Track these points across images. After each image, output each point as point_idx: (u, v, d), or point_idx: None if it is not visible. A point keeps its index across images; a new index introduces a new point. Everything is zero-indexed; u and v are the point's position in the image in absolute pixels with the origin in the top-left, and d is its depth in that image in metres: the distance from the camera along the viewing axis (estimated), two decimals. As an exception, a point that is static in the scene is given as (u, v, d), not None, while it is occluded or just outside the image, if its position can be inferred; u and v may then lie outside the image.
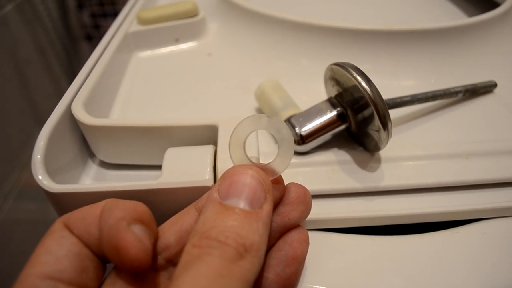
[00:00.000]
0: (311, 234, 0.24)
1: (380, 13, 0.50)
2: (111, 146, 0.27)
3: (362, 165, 0.26)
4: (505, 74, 0.35)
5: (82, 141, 0.29)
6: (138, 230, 0.17)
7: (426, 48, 0.36)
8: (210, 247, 0.15)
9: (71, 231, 0.18)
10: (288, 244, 0.20)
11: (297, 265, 0.19)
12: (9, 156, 0.76)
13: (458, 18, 0.49)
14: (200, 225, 0.16)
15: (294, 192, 0.20)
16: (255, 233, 0.16)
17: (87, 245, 0.18)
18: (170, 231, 0.19)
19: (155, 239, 0.18)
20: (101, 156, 0.28)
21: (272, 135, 0.20)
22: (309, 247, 0.23)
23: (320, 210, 0.24)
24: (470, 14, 0.49)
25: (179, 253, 0.18)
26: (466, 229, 0.24)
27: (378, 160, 0.27)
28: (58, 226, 0.18)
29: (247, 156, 0.19)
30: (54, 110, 0.27)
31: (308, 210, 0.20)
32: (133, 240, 0.16)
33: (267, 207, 0.17)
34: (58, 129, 0.26)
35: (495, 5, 0.42)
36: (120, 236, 0.16)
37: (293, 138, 0.19)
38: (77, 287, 0.17)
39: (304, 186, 0.21)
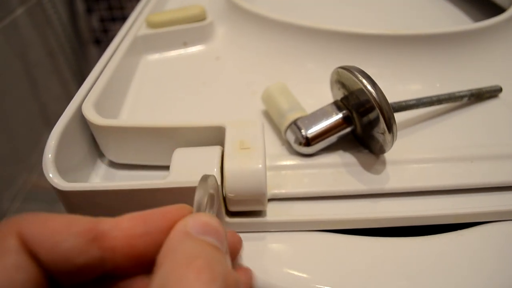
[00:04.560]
0: (317, 235, 0.24)
1: (386, 17, 0.50)
2: (120, 146, 0.27)
3: (367, 167, 0.27)
4: (510, 79, 0.35)
5: (91, 141, 0.29)
6: None
7: (431, 53, 0.36)
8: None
9: (32, 253, 0.14)
10: None
11: None
12: (17, 157, 0.77)
13: (463, 23, 0.49)
14: (178, 255, 0.14)
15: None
16: (238, 279, 0.15)
17: (54, 275, 0.14)
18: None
19: None
20: (110, 156, 0.29)
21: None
22: (314, 248, 0.23)
23: (325, 212, 0.25)
24: (475, 19, 0.49)
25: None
26: (471, 232, 0.24)
27: (383, 163, 0.27)
28: (11, 245, 0.14)
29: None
30: (65, 111, 0.28)
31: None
32: None
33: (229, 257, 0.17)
34: (69, 129, 0.26)
35: (501, 10, 0.42)
36: None
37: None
38: None
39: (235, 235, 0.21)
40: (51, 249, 0.14)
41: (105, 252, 0.15)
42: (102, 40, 1.16)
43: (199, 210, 0.18)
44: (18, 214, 0.15)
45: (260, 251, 0.23)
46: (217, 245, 0.15)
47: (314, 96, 0.32)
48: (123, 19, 1.10)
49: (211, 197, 0.19)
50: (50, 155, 0.25)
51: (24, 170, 0.79)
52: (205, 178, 0.19)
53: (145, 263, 0.16)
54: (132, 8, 1.06)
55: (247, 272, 0.21)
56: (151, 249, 0.16)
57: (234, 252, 0.21)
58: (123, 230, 0.16)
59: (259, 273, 0.22)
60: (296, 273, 0.22)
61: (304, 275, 0.22)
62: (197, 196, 0.18)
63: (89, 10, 1.10)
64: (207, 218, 0.16)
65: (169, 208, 0.17)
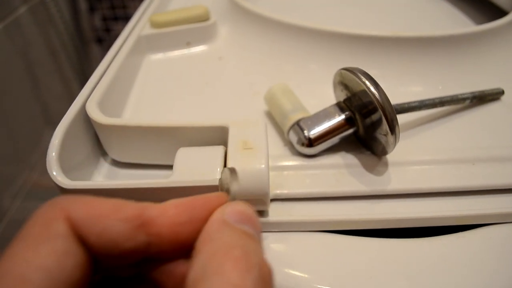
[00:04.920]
0: (318, 236, 0.24)
1: (389, 19, 0.50)
2: (123, 145, 0.28)
3: (369, 168, 0.27)
4: (512, 82, 0.35)
5: (94, 140, 0.30)
6: None
7: (434, 55, 0.36)
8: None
9: (81, 238, 0.14)
10: None
11: None
12: (18, 156, 0.77)
13: (465, 25, 0.49)
14: (216, 243, 0.15)
15: None
16: (271, 268, 0.15)
17: (101, 258, 0.15)
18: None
19: None
20: (113, 155, 0.29)
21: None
22: (316, 249, 0.23)
23: (327, 212, 0.25)
24: (478, 22, 0.49)
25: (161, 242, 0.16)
26: (472, 234, 0.24)
27: (385, 164, 0.27)
28: (61, 229, 0.14)
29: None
30: (69, 109, 0.28)
31: None
32: None
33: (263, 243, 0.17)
34: (72, 128, 0.27)
35: (503, 13, 0.42)
36: None
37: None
38: None
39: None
40: (100, 234, 0.14)
41: (152, 238, 0.15)
42: (104, 39, 1.16)
43: (233, 199, 0.18)
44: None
45: (262, 251, 0.23)
46: (252, 233, 0.16)
47: (317, 97, 0.32)
48: (126, 18, 1.10)
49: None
50: (53, 154, 0.25)
51: (25, 169, 0.79)
52: (233, 169, 0.20)
53: (186, 247, 0.16)
54: (134, 8, 1.07)
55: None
56: (192, 236, 0.16)
57: None
58: (169, 217, 0.16)
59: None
60: (297, 273, 0.22)
61: (306, 275, 0.22)
62: (233, 187, 0.19)
63: (91, 9, 1.11)
64: (243, 207, 0.17)
65: (209, 196, 0.17)
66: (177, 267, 0.17)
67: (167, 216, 0.16)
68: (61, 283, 0.13)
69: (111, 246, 0.15)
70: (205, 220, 0.16)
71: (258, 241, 0.16)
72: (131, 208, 0.15)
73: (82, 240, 0.14)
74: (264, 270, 0.14)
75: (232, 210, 0.16)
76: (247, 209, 0.17)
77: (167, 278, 0.17)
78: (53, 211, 0.14)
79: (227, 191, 0.20)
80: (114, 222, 0.15)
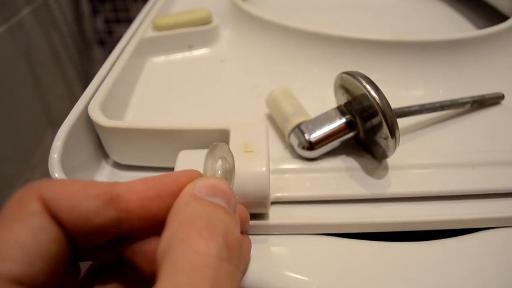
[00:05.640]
0: (319, 239, 0.24)
1: (390, 23, 0.51)
2: (125, 147, 0.28)
3: (370, 172, 0.27)
4: (513, 86, 0.35)
5: (96, 142, 0.30)
6: None
7: (435, 59, 0.36)
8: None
9: (54, 215, 0.14)
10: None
11: (242, 274, 0.20)
12: (19, 157, 0.77)
13: (466, 30, 0.49)
14: (183, 215, 0.15)
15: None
16: (241, 236, 0.16)
17: (72, 235, 0.15)
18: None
19: None
20: (115, 157, 0.29)
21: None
22: (316, 251, 0.23)
23: (327, 215, 0.25)
24: (478, 26, 0.50)
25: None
26: (471, 237, 0.24)
27: (386, 168, 0.27)
28: (35, 207, 0.14)
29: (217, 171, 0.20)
30: (71, 111, 0.28)
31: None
32: None
33: (238, 216, 0.17)
34: (74, 130, 0.27)
35: (504, 18, 0.42)
36: None
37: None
38: None
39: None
40: (70, 210, 0.15)
41: (121, 213, 0.16)
42: (107, 41, 1.16)
43: (206, 174, 0.19)
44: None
45: (262, 254, 0.23)
46: (222, 205, 0.16)
47: (318, 101, 0.32)
48: (128, 20, 1.11)
49: (225, 165, 0.20)
50: (56, 155, 0.25)
51: (26, 170, 0.79)
52: (214, 146, 0.20)
53: (158, 224, 0.16)
54: (137, 10, 1.07)
55: (246, 238, 0.22)
56: (163, 211, 0.16)
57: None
58: (137, 192, 0.16)
59: (261, 275, 0.22)
60: (297, 276, 0.22)
61: (306, 278, 0.22)
62: (205, 161, 0.19)
63: (94, 11, 1.11)
64: (214, 181, 0.17)
65: (180, 172, 0.17)
66: (149, 244, 0.17)
67: (135, 191, 0.16)
68: (38, 257, 0.13)
69: (82, 222, 0.15)
70: (175, 195, 0.16)
71: (227, 212, 0.16)
72: (100, 185, 0.16)
73: (55, 217, 0.15)
74: (230, 237, 0.14)
75: (202, 184, 0.16)
76: (219, 183, 0.17)
77: (140, 256, 0.17)
78: (26, 192, 0.15)
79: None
80: (84, 199, 0.15)
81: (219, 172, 0.22)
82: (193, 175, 0.17)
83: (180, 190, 0.16)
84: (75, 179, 0.16)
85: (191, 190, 0.16)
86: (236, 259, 0.14)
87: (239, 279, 0.14)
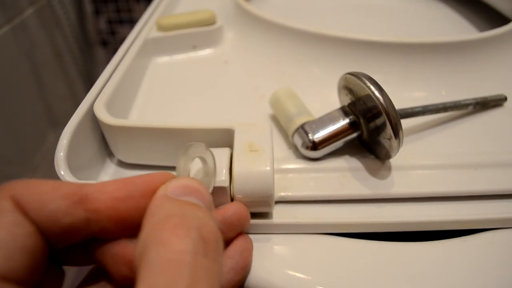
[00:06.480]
0: (322, 238, 0.24)
1: (392, 25, 0.51)
2: (130, 146, 0.28)
3: (373, 172, 0.27)
4: (515, 88, 0.35)
5: (101, 140, 0.30)
6: None
7: (438, 61, 0.37)
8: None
9: (25, 213, 0.15)
10: (239, 254, 0.20)
11: (245, 273, 0.20)
12: (21, 157, 0.77)
13: (468, 32, 0.49)
14: (157, 217, 0.15)
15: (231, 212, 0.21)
16: (218, 230, 0.15)
17: (46, 235, 0.15)
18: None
19: None
20: (120, 155, 0.29)
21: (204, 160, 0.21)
22: (319, 251, 0.24)
23: (331, 215, 0.25)
24: (480, 28, 0.50)
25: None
26: (474, 238, 0.24)
27: (389, 168, 0.27)
28: (7, 205, 0.15)
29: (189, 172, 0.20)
30: (77, 110, 0.28)
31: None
32: None
33: (214, 213, 0.17)
34: (80, 128, 0.27)
35: (506, 20, 0.43)
36: None
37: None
38: None
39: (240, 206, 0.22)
40: (39, 209, 0.15)
41: (90, 213, 0.16)
42: (109, 42, 1.17)
43: (178, 175, 0.19)
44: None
45: (265, 253, 0.23)
46: (196, 202, 0.16)
47: (321, 101, 0.33)
48: (131, 21, 1.11)
49: (203, 164, 0.21)
50: (62, 153, 0.25)
51: (28, 170, 0.79)
52: (188, 146, 0.20)
53: (130, 226, 0.16)
54: (139, 11, 1.07)
55: (247, 238, 0.22)
56: (134, 213, 0.16)
57: (238, 226, 0.22)
58: (106, 193, 0.16)
59: (264, 274, 0.22)
60: (300, 275, 0.22)
61: (309, 278, 0.22)
62: (177, 161, 0.19)
63: (97, 12, 1.11)
64: (186, 181, 0.17)
65: (151, 174, 0.17)
66: (118, 246, 0.17)
67: (104, 192, 0.16)
68: (16, 251, 0.14)
69: (51, 222, 0.15)
70: (146, 197, 0.16)
71: (200, 208, 0.16)
72: (69, 186, 0.16)
73: (26, 214, 0.15)
74: (205, 231, 0.14)
75: (174, 185, 0.16)
76: (192, 182, 0.17)
77: (109, 258, 0.17)
78: None
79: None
80: (53, 199, 0.15)
81: (194, 171, 0.22)
82: (165, 177, 0.17)
83: (151, 191, 0.16)
84: (48, 180, 0.16)
85: (163, 192, 0.16)
86: (213, 253, 0.14)
87: (218, 272, 0.14)
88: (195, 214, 0.15)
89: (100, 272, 0.18)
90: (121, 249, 0.17)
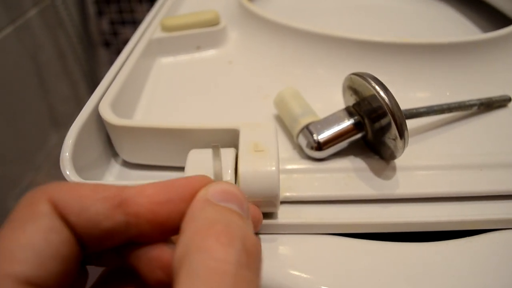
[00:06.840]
0: (326, 238, 0.24)
1: (396, 26, 0.51)
2: (135, 146, 0.28)
3: (378, 173, 0.27)
4: (519, 89, 0.35)
5: (106, 141, 0.30)
6: None
7: (442, 62, 0.37)
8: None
9: (63, 217, 0.14)
10: None
11: None
12: (23, 157, 0.78)
13: (472, 33, 0.49)
14: (199, 221, 0.15)
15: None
16: (259, 242, 0.15)
17: (81, 239, 0.15)
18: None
19: None
20: (125, 155, 0.29)
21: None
22: (324, 251, 0.24)
23: (335, 215, 0.25)
24: (484, 29, 0.50)
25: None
26: (479, 239, 0.24)
27: (394, 169, 0.27)
28: (45, 209, 0.14)
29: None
30: (82, 110, 0.28)
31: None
32: None
33: (251, 221, 0.17)
34: (85, 129, 0.27)
35: (509, 21, 0.43)
36: None
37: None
38: None
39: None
40: (79, 213, 0.15)
41: (130, 217, 0.16)
42: (112, 43, 1.17)
43: (217, 179, 0.19)
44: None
45: (270, 253, 0.24)
46: (237, 210, 0.16)
47: (325, 101, 0.33)
48: (133, 22, 1.11)
49: (216, 164, 0.21)
50: (67, 153, 0.25)
51: (30, 170, 0.79)
52: (216, 149, 0.20)
53: (166, 230, 0.16)
54: (142, 12, 1.08)
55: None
56: (173, 217, 0.16)
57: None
58: (146, 196, 0.16)
59: (269, 274, 0.23)
60: (305, 275, 0.23)
61: (313, 278, 0.22)
62: (215, 167, 0.19)
63: (99, 13, 1.11)
64: (226, 186, 0.17)
65: (190, 177, 0.17)
66: (155, 250, 0.17)
67: (144, 196, 0.16)
68: (49, 258, 0.13)
69: (91, 225, 0.15)
70: (186, 201, 0.16)
71: (242, 217, 0.16)
72: (109, 189, 0.16)
73: (64, 219, 0.14)
74: (248, 243, 0.14)
75: (215, 189, 0.16)
76: (231, 188, 0.17)
77: (144, 262, 0.17)
78: (36, 195, 0.15)
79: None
80: (93, 202, 0.15)
81: (229, 172, 0.23)
82: (204, 180, 0.17)
83: (190, 195, 0.16)
84: (86, 182, 0.16)
85: (204, 196, 0.16)
86: (255, 266, 0.14)
87: (258, 286, 0.14)
88: (238, 224, 0.15)
89: (112, 276, 0.18)
90: (158, 253, 0.17)
